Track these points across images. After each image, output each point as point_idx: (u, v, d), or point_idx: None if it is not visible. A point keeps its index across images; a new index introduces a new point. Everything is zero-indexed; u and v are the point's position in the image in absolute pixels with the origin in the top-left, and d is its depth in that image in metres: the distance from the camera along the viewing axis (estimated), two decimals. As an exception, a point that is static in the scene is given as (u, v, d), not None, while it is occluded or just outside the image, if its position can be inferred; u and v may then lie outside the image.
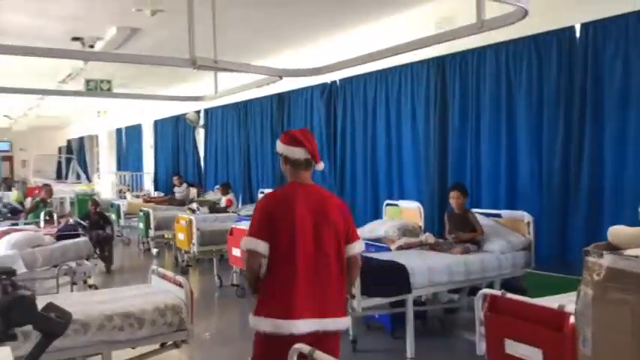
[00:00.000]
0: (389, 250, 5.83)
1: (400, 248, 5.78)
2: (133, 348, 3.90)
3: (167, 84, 12.05)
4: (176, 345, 4.00)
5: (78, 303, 3.98)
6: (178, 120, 14.39)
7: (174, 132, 14.82)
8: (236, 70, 5.35)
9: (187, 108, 13.42)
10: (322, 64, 5.86)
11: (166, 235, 10.31)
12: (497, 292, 3.35)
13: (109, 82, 9.52)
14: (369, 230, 7.03)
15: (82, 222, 8.73)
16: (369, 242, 6.26)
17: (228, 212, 9.85)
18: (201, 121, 13.43)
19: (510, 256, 5.57)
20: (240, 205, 10.89)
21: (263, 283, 2.97)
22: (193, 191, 12.45)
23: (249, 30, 7.94)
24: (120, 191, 16.45)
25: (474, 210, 5.98)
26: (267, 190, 8.35)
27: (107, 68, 9.35)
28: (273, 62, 8.35)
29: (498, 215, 5.96)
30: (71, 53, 6.65)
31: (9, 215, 10.54)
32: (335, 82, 8.81)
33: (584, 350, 1.74)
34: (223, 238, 7.34)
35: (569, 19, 5.54)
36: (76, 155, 23.09)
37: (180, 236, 8.52)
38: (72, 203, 15.56)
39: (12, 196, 14.97)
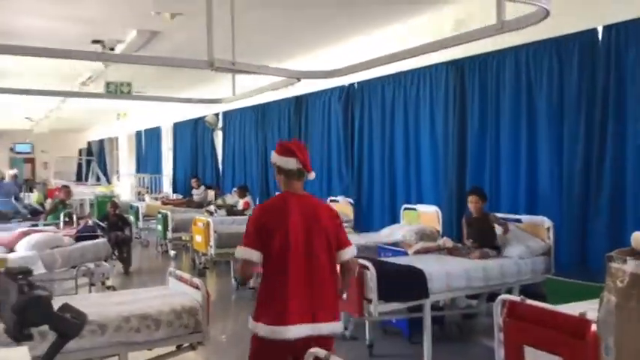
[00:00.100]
0: (406, 254, 5.79)
1: (417, 253, 5.73)
2: (150, 350, 3.91)
3: (186, 87, 12.13)
4: (192, 347, 4.02)
5: (96, 304, 4.01)
6: (197, 123, 14.47)
7: (192, 135, 14.91)
8: (253, 72, 5.36)
9: (206, 111, 13.50)
10: (340, 67, 5.85)
11: (184, 237, 10.36)
12: (516, 297, 3.30)
13: (129, 84, 9.59)
14: (387, 234, 7.00)
15: (100, 223, 8.81)
16: (387, 246, 6.23)
17: (246, 215, 9.87)
18: (220, 124, 13.49)
19: (530, 262, 5.49)
20: (257, 208, 10.87)
21: (259, 290, 3.17)
22: (211, 194, 12.51)
23: (268, 33, 7.95)
24: (139, 193, 16.59)
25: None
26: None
27: (127, 72, 9.43)
28: (291, 66, 8.34)
29: (518, 220, 5.88)
30: (90, 55, 6.71)
31: (29, 216, 10.66)
32: (353, 84, 8.79)
33: (606, 359, 1.70)
34: (240, 240, 7.32)
35: (590, 21, 5.46)
36: (96, 157, 23.35)
37: (198, 238, 8.55)
38: (91, 205, 15.73)
39: (33, 197, 15.16)
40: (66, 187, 10.89)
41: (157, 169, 17.51)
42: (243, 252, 3.10)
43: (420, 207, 7.21)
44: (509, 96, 6.31)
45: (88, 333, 3.47)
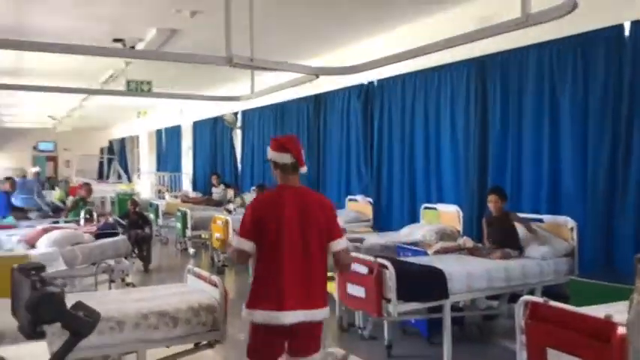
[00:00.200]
0: (426, 254, 5.72)
1: (437, 253, 5.66)
2: (168, 347, 3.90)
3: (205, 86, 12.17)
4: (210, 345, 4.00)
5: (115, 300, 4.02)
6: (216, 121, 14.52)
7: (212, 133, 14.96)
8: (272, 68, 5.33)
9: (225, 110, 13.53)
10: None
11: (203, 235, 10.40)
12: (539, 299, 3.23)
13: (149, 83, 9.65)
14: (406, 234, 6.94)
15: (121, 221, 8.86)
16: (406, 246, 6.16)
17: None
18: (239, 123, 13.51)
19: (552, 263, 5.39)
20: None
21: (254, 279, 3.29)
22: (230, 192, 12.53)
23: (288, 31, 7.93)
24: (159, 191, 16.71)
25: (515, 214, 5.80)
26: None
27: (147, 70, 9.50)
28: (310, 64, 8.31)
29: (540, 220, 5.77)
30: (112, 51, 6.75)
31: (51, 213, 10.78)
32: (372, 82, 8.72)
33: (636, 363, 1.63)
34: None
35: (617, 16, 5.33)
36: (117, 156, 23.61)
37: (217, 236, 8.56)
38: (112, 203, 15.88)
39: (55, 194, 15.34)
40: (87, 185, 10.98)
41: (177, 168, 17.62)
42: (237, 242, 3.27)
43: (441, 206, 7.12)
44: (532, 93, 6.19)
45: (107, 329, 3.47)
